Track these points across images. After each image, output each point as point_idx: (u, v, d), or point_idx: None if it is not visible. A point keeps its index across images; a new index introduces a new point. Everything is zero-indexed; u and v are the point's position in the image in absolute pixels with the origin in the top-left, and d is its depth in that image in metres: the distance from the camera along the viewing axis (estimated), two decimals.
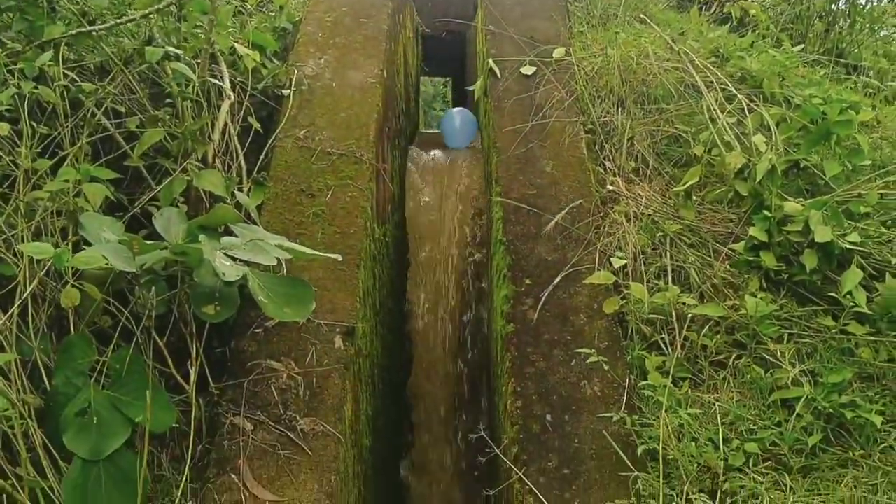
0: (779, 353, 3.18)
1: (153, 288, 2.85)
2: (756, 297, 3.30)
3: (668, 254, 3.62)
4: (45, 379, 2.72)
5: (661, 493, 2.60)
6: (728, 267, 3.56)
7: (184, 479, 2.65)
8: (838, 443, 2.89)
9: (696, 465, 2.77)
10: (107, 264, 2.74)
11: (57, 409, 2.63)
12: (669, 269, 3.55)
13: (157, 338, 2.85)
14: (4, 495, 2.38)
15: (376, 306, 3.87)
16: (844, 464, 2.82)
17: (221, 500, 2.65)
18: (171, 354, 2.93)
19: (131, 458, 2.61)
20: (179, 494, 2.62)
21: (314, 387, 3.04)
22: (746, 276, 3.50)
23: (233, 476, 2.71)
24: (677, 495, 2.66)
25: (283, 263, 3.35)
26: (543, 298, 3.46)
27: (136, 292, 2.93)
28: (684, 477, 2.71)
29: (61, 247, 2.70)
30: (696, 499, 2.64)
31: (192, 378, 2.82)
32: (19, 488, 2.41)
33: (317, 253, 3.13)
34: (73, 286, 2.74)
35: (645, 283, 3.43)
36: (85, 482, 2.52)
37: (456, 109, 5.61)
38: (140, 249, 2.81)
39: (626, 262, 3.53)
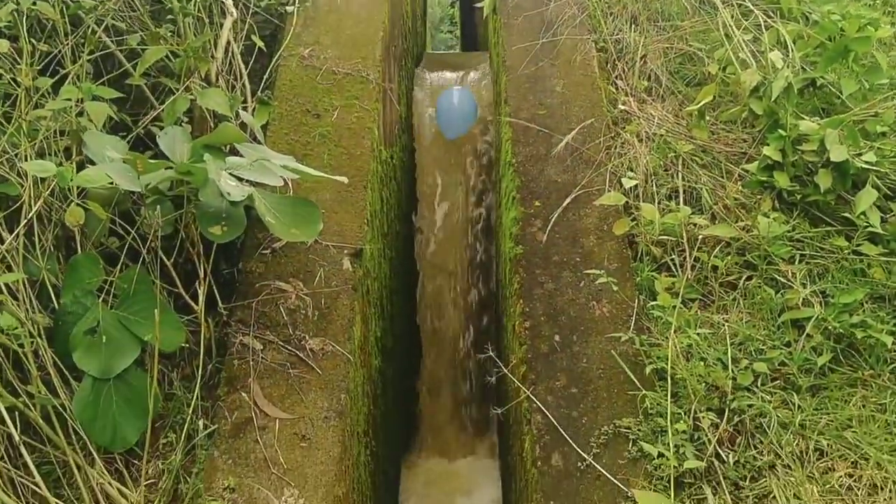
0: (790, 274, 3.15)
1: (158, 207, 2.82)
2: (769, 217, 3.26)
3: (679, 174, 3.56)
4: (54, 298, 2.72)
5: (668, 412, 2.60)
6: (741, 187, 3.51)
7: (195, 397, 2.67)
8: (848, 363, 2.88)
9: (704, 384, 2.77)
10: (111, 184, 2.71)
11: (66, 328, 2.63)
12: (681, 189, 3.50)
13: (164, 258, 2.84)
14: (17, 412, 2.40)
15: (384, 229, 3.84)
16: (853, 383, 2.81)
17: (232, 417, 2.68)
18: (178, 276, 2.92)
19: (141, 377, 2.62)
20: (190, 412, 2.65)
21: (323, 307, 3.04)
22: (759, 196, 3.44)
23: (243, 394, 2.73)
24: (685, 413, 2.67)
25: (290, 185, 3.32)
26: (553, 220, 3.42)
27: (141, 213, 2.91)
28: (692, 396, 2.72)
29: (65, 166, 2.67)
30: (703, 417, 2.65)
31: (201, 298, 2.82)
32: (31, 406, 2.43)
33: (323, 174, 3.09)
34: (77, 205, 2.71)
35: (656, 204, 3.38)
36: (96, 400, 2.54)
37: (455, 88, 5.09)
38: (144, 169, 2.77)
39: (637, 182, 3.47)
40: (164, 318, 2.67)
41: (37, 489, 2.34)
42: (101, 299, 2.71)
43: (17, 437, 2.33)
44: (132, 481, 2.50)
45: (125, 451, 2.59)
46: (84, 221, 2.75)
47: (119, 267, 2.81)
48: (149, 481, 2.52)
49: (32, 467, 2.33)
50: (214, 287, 2.97)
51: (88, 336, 2.61)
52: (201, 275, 2.88)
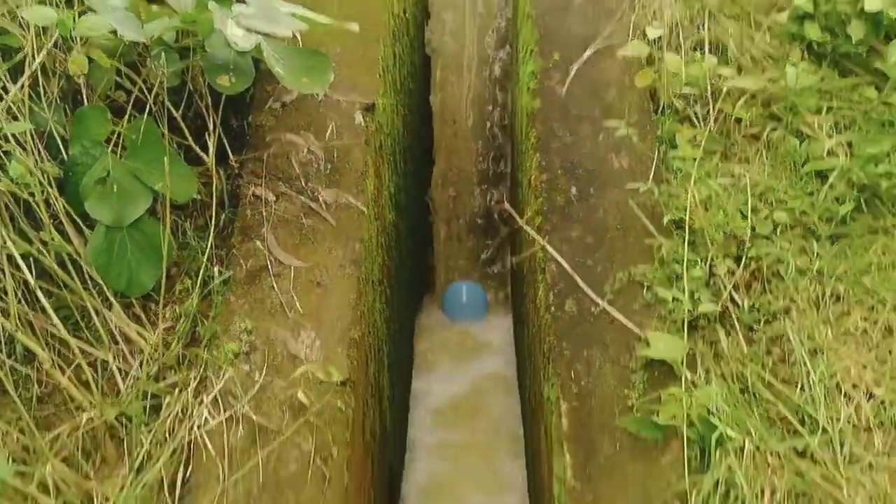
0: (816, 125, 3.05)
1: (164, 56, 2.75)
2: (797, 67, 3.13)
3: (706, 26, 3.42)
4: (62, 150, 2.69)
5: (684, 258, 2.57)
6: (769, 39, 3.37)
7: (209, 245, 2.67)
8: (870, 212, 2.81)
9: (722, 233, 2.73)
10: (114, 34, 2.64)
11: (76, 179, 2.61)
12: (707, 41, 3.36)
13: (171, 108, 2.78)
14: (31, 259, 2.42)
15: (396, 85, 3.75)
16: (875, 231, 2.75)
17: (247, 265, 2.68)
18: (188, 129, 2.88)
19: (155, 226, 2.62)
20: (205, 260, 2.65)
21: (335, 160, 3.00)
22: (788, 47, 3.31)
23: (257, 243, 2.73)
24: (701, 261, 2.64)
25: (299, 38, 3.22)
26: (572, 73, 3.32)
27: (147, 64, 2.84)
28: (709, 244, 2.68)
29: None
30: (719, 264, 2.62)
31: (211, 149, 2.78)
32: (45, 252, 2.44)
33: (332, 21, 2.98)
34: (80, 54, 2.65)
35: (681, 56, 3.26)
36: (110, 247, 2.54)
37: (464, 284, 4.79)
38: (147, 17, 2.70)
39: (661, 33, 3.33)
40: (175, 169, 2.64)
41: (55, 331, 2.38)
42: (110, 150, 2.68)
43: (32, 282, 2.35)
44: (150, 324, 2.54)
45: (142, 296, 2.61)
46: (88, 72, 2.70)
47: (127, 118, 2.77)
48: (166, 324, 2.55)
49: (50, 311, 2.36)
50: (224, 140, 2.93)
51: (99, 186, 2.60)
52: (210, 126, 2.84)
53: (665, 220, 2.79)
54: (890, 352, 2.40)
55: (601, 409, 2.36)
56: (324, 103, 3.16)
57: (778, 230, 2.77)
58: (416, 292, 4.71)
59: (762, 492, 2.11)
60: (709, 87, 3.18)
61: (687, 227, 2.68)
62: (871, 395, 2.31)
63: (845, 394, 2.31)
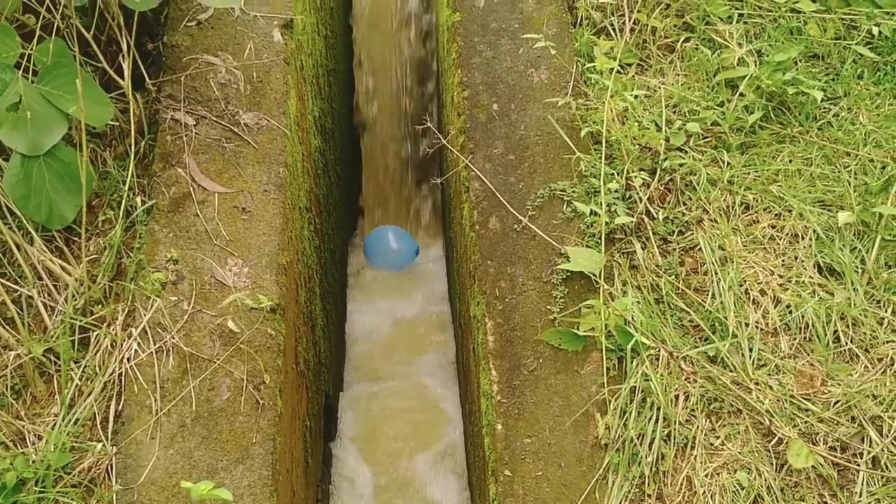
0: (727, 34, 3.13)
1: None
2: None
3: None
4: None
5: (602, 172, 2.65)
6: None
7: (129, 174, 2.63)
8: (778, 120, 2.93)
9: (637, 146, 2.81)
10: None
11: None
12: None
13: (81, 29, 2.68)
14: None
15: (316, 3, 3.67)
16: (782, 140, 2.88)
17: (170, 192, 2.66)
18: (101, 55, 2.78)
19: (73, 154, 2.56)
20: (127, 189, 2.62)
21: (255, 81, 2.96)
22: None
23: (179, 170, 2.70)
24: (618, 174, 2.73)
25: None
26: None
27: None
28: (626, 157, 2.76)
29: None
30: (635, 177, 2.71)
31: (127, 71, 2.69)
32: None
33: None
34: None
35: None
36: (27, 177, 2.48)
37: (390, 230, 4.61)
38: None
39: None
40: (89, 93, 2.56)
41: None
42: (20, 74, 2.58)
43: None
44: (74, 258, 2.51)
45: (64, 229, 2.57)
46: None
47: (35, 41, 2.66)
48: (90, 257, 2.53)
49: None
50: (140, 63, 2.85)
51: (12, 112, 2.51)
52: (124, 48, 2.74)
53: (582, 133, 2.84)
54: (795, 257, 2.55)
55: (525, 325, 2.47)
56: (240, 20, 3.09)
57: (691, 141, 2.86)
58: (348, 225, 4.70)
59: (676, 398, 2.26)
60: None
61: (604, 141, 2.75)
62: (777, 300, 2.46)
63: (753, 300, 2.46)
